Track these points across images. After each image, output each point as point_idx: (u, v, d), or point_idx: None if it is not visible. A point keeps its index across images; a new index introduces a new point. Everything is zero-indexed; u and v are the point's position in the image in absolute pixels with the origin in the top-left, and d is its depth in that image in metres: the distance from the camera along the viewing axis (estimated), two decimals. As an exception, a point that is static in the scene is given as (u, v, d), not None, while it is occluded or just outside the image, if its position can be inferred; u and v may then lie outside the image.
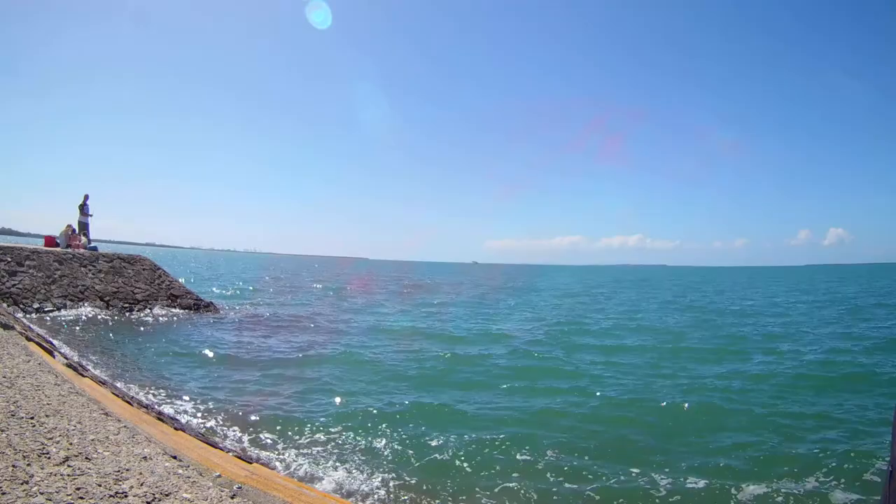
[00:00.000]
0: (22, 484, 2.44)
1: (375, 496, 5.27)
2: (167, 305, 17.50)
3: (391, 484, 5.53)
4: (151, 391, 8.40)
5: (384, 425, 7.36)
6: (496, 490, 5.47)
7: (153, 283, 18.06)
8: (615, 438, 7.11)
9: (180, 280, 20.61)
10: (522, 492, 5.45)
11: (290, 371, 10.63)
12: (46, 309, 14.46)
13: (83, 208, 19.22)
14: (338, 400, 8.64)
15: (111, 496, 2.50)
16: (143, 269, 18.26)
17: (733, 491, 5.51)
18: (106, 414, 3.99)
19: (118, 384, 8.15)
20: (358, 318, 20.20)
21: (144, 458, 3.12)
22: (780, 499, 5.40)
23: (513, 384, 9.91)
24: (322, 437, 6.82)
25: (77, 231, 18.91)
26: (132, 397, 6.88)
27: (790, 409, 8.39)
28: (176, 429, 5.11)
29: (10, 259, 15.24)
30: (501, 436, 7.01)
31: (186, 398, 8.19)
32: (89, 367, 8.56)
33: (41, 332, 10.90)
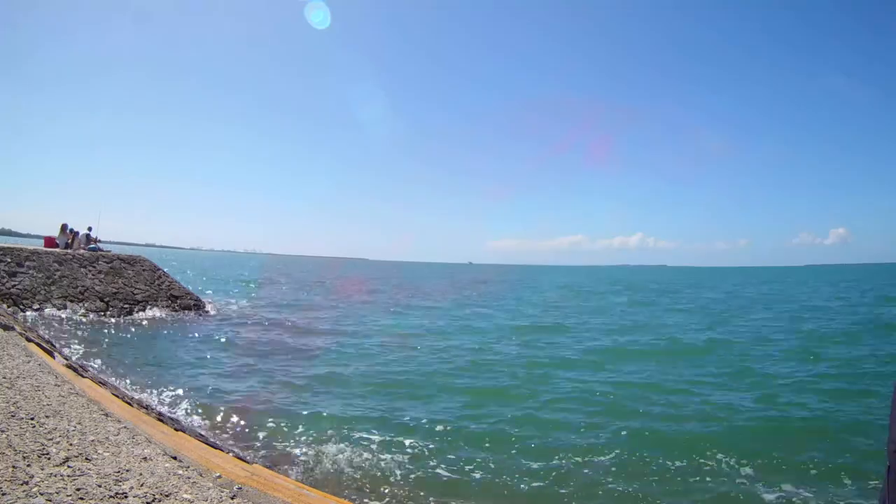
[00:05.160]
0: (22, 484, 2.44)
1: (376, 496, 5.27)
2: (167, 306, 17.50)
3: (391, 483, 5.52)
4: (151, 391, 8.39)
5: (382, 423, 7.36)
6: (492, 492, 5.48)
7: (153, 284, 18.06)
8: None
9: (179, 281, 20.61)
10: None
11: (288, 371, 10.63)
12: (46, 309, 14.45)
13: (87, 237, 19.11)
14: (336, 399, 8.64)
15: (111, 497, 2.50)
16: (143, 270, 18.27)
17: (739, 484, 5.52)
18: (106, 415, 3.98)
19: (118, 385, 8.14)
20: (351, 319, 20.22)
21: (144, 458, 3.11)
22: (783, 493, 5.40)
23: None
24: (321, 436, 6.81)
25: (85, 242, 18.88)
26: (132, 398, 6.88)
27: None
28: (176, 429, 5.11)
29: (9, 260, 15.24)
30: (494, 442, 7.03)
31: (186, 398, 8.19)
32: (89, 368, 8.56)
33: (41, 332, 10.89)
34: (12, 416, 3.43)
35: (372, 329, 17.50)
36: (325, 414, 7.82)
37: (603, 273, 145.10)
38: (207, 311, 18.84)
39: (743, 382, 10.13)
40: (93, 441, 3.25)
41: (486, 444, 6.75)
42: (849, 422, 7.69)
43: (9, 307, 13.12)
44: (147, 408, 6.55)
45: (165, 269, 19.83)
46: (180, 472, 3.02)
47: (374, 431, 7.09)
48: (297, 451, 6.34)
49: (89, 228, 19.48)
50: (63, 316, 14.38)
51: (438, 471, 5.91)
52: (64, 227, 19.04)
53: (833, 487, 5.62)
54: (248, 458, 5.62)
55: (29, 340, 7.24)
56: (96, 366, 9.52)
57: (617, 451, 6.49)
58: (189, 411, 7.62)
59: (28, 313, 13.83)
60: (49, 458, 2.81)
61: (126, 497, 2.53)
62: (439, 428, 7.32)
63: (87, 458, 2.92)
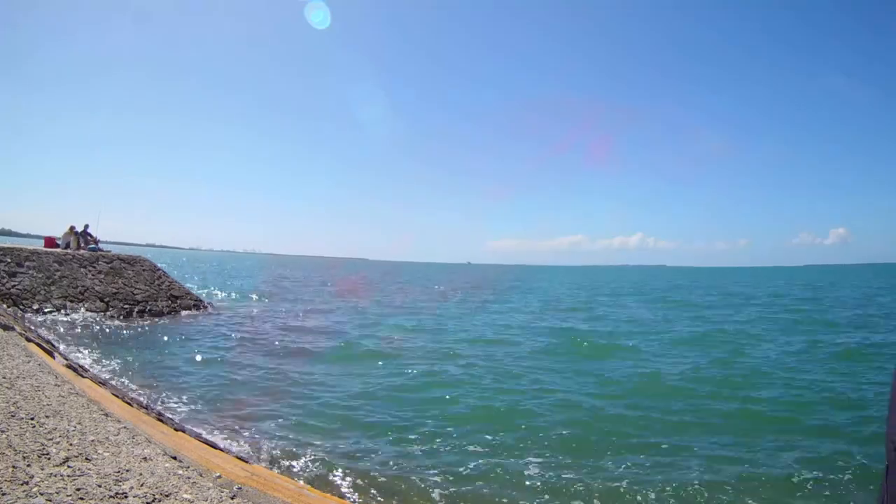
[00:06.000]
0: (22, 485, 2.44)
1: (376, 496, 5.27)
2: (167, 306, 17.50)
3: (392, 483, 5.53)
4: (151, 391, 8.39)
5: (384, 423, 7.36)
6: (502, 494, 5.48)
7: (153, 284, 18.06)
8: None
9: (180, 281, 20.61)
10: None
11: (287, 370, 10.62)
12: (46, 310, 14.45)
13: (85, 236, 19.13)
14: (335, 398, 8.63)
15: (111, 497, 2.50)
16: (143, 270, 18.27)
17: (730, 485, 5.52)
18: (106, 415, 3.98)
19: (118, 385, 8.15)
20: (352, 319, 20.22)
21: (144, 458, 3.12)
22: (781, 490, 5.40)
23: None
24: (321, 436, 6.81)
25: (84, 242, 18.91)
26: (132, 398, 6.89)
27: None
28: (176, 429, 5.11)
29: (9, 260, 15.23)
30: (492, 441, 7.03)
31: (186, 398, 8.18)
32: (89, 368, 8.56)
33: (41, 332, 10.89)
34: (12, 416, 3.44)
35: (373, 329, 17.49)
36: (325, 414, 7.82)
37: (625, 274, 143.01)
38: (207, 311, 18.84)
39: None
40: (93, 441, 3.25)
41: (501, 446, 6.74)
42: None
43: (9, 307, 13.12)
44: (147, 408, 6.55)
45: (170, 270, 19.83)
46: (180, 472, 3.03)
47: (375, 431, 7.09)
48: (297, 451, 6.34)
49: (86, 226, 19.47)
50: (63, 316, 14.38)
51: (442, 471, 5.90)
52: (72, 228, 19.07)
53: (831, 486, 5.62)
54: (248, 458, 5.63)
55: (29, 340, 7.24)
56: (96, 366, 9.52)
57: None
58: (189, 411, 7.61)
59: (28, 313, 13.83)
60: (49, 458, 2.82)
61: (126, 497, 2.53)
62: (441, 428, 7.32)
63: (87, 458, 2.93)
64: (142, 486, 2.70)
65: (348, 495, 5.22)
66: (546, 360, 12.44)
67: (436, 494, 5.35)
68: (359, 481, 5.56)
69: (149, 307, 16.80)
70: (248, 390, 9.01)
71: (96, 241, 19.32)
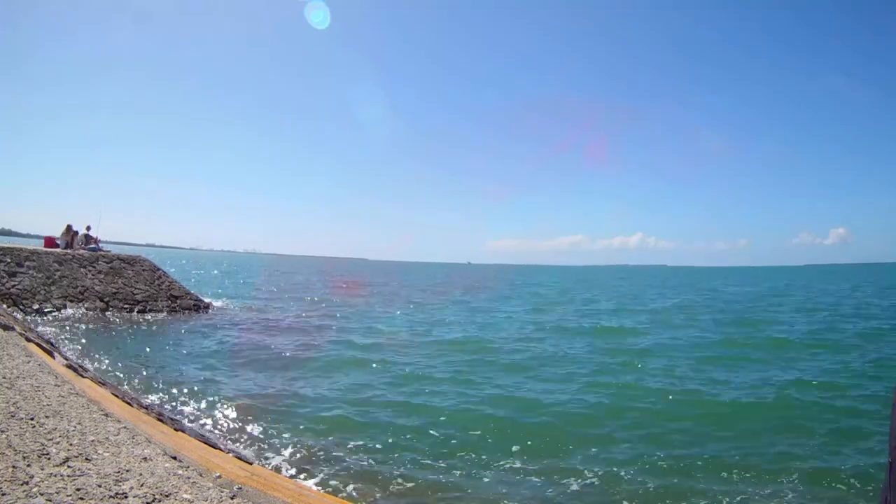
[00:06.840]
0: (22, 485, 2.44)
1: (376, 496, 5.27)
2: (167, 306, 17.50)
3: (392, 483, 5.52)
4: (151, 392, 8.39)
5: (384, 423, 7.35)
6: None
7: (153, 284, 18.06)
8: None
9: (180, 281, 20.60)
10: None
11: (288, 371, 10.63)
12: (46, 310, 14.44)
13: (87, 238, 19.09)
14: (337, 399, 8.63)
15: (111, 497, 2.50)
16: (143, 270, 18.26)
17: (736, 476, 5.52)
18: (106, 415, 3.98)
19: (118, 385, 8.14)
20: (346, 319, 20.20)
21: (144, 458, 3.11)
22: (780, 490, 5.39)
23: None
24: (322, 436, 6.81)
25: (84, 242, 18.89)
26: (132, 398, 6.88)
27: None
28: (176, 429, 5.10)
29: (9, 260, 15.23)
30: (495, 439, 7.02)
31: (186, 398, 8.19)
32: (89, 368, 8.56)
33: (41, 332, 10.89)
34: (12, 416, 3.43)
35: (373, 329, 17.49)
36: (325, 415, 7.82)
37: (637, 274, 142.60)
38: (207, 312, 18.84)
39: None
40: (93, 441, 3.25)
41: (501, 444, 6.74)
42: None
43: (9, 307, 13.11)
44: (147, 408, 6.54)
45: (169, 270, 19.81)
46: (180, 472, 3.02)
47: (375, 432, 7.09)
48: (297, 451, 6.34)
49: (88, 228, 19.49)
50: (63, 316, 14.38)
51: (442, 472, 5.90)
52: (69, 227, 19.06)
53: (832, 485, 5.62)
54: (248, 458, 5.62)
55: (29, 340, 7.24)
56: (96, 366, 9.52)
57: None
58: (189, 411, 7.62)
59: (28, 313, 13.82)
60: (49, 459, 2.81)
61: (126, 497, 2.52)
62: (442, 430, 7.32)
63: (87, 459, 2.92)
64: (142, 486, 2.69)
65: (349, 495, 5.22)
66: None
67: (441, 495, 5.35)
68: (359, 481, 5.56)
69: (149, 307, 16.80)
70: (249, 390, 9.01)
71: (97, 242, 19.32)
